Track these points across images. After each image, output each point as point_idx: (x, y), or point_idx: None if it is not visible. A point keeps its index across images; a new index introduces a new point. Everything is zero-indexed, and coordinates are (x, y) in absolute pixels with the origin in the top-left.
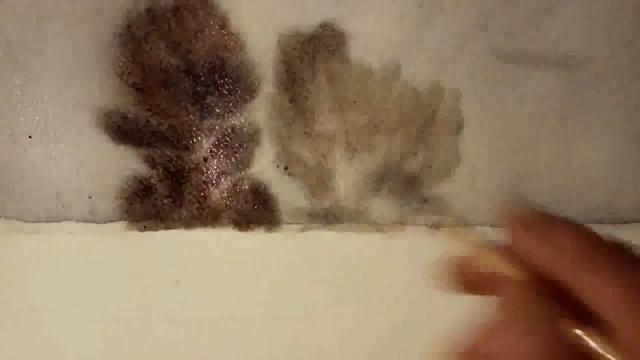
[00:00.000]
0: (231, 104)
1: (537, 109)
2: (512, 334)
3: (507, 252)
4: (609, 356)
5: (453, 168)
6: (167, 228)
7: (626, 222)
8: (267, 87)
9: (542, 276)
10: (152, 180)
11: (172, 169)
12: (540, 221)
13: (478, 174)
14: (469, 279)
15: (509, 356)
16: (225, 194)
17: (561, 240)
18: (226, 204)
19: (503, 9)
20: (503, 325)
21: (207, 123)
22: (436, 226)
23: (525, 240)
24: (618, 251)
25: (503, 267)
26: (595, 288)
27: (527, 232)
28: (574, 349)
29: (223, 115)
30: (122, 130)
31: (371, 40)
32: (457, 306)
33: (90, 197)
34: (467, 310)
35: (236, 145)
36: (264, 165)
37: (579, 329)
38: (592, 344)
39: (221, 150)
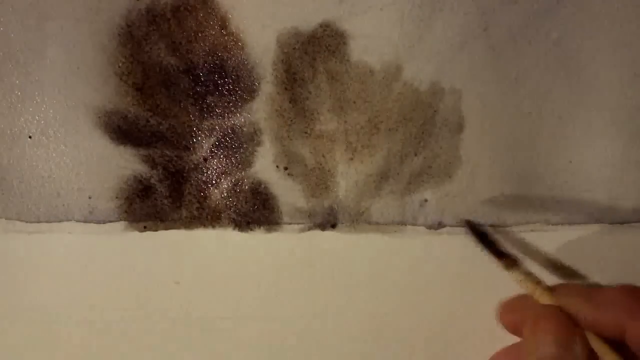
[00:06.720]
0: (231, 104)
1: (537, 109)
2: None
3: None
4: None
5: (453, 168)
6: (167, 228)
7: (626, 222)
8: (267, 87)
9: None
10: (152, 180)
11: (172, 169)
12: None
13: (478, 174)
14: (512, 321)
15: None
16: (225, 194)
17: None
18: (226, 204)
19: (503, 9)
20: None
21: (207, 123)
22: (436, 226)
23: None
24: None
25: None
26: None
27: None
28: None
29: (223, 115)
30: (122, 130)
31: (371, 40)
32: (457, 307)
33: (90, 197)
34: (464, 312)
35: (236, 145)
36: (264, 165)
37: None
38: None
39: (221, 150)
